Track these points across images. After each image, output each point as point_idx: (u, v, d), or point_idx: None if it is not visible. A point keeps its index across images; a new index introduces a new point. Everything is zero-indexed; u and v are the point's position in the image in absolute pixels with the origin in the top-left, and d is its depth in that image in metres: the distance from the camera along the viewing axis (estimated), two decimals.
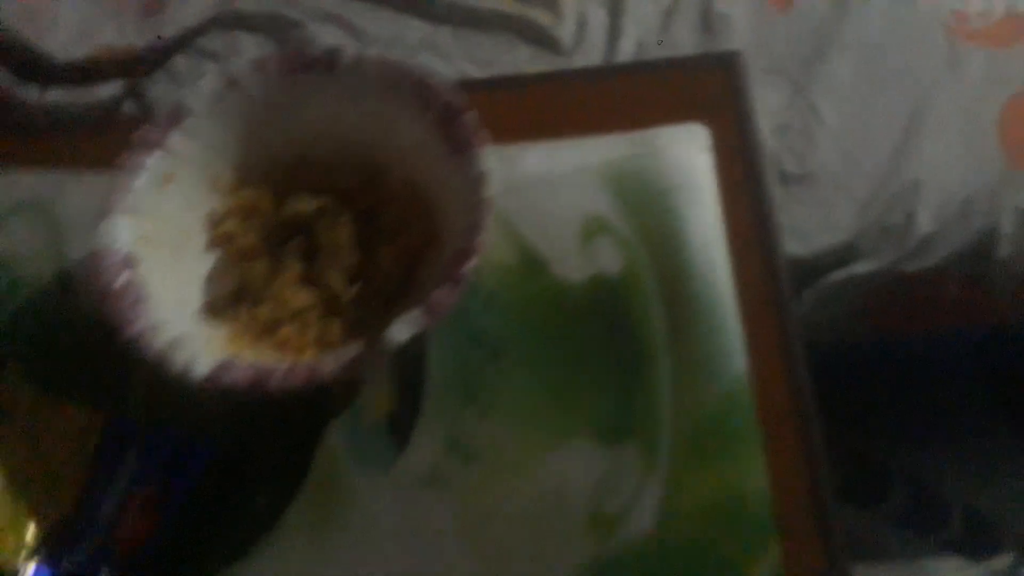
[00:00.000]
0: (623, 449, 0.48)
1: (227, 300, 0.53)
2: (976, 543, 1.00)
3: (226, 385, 0.45)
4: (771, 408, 0.48)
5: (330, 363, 0.46)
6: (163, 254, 0.52)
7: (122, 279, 0.49)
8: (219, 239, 0.55)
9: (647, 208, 0.54)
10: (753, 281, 0.51)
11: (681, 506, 0.47)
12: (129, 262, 0.49)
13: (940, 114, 0.90)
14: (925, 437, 1.08)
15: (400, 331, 0.44)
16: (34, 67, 0.98)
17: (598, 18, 1.02)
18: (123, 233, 0.50)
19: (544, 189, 0.55)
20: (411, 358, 0.51)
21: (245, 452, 0.52)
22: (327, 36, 1.00)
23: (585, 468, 0.48)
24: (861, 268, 0.88)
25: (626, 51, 0.98)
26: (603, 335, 0.51)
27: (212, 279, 0.54)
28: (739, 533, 0.46)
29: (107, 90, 0.99)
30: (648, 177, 0.55)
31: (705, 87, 0.60)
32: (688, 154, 0.56)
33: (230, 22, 1.04)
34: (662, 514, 0.47)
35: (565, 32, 1.00)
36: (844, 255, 0.88)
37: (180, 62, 1.02)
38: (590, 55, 0.98)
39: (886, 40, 0.94)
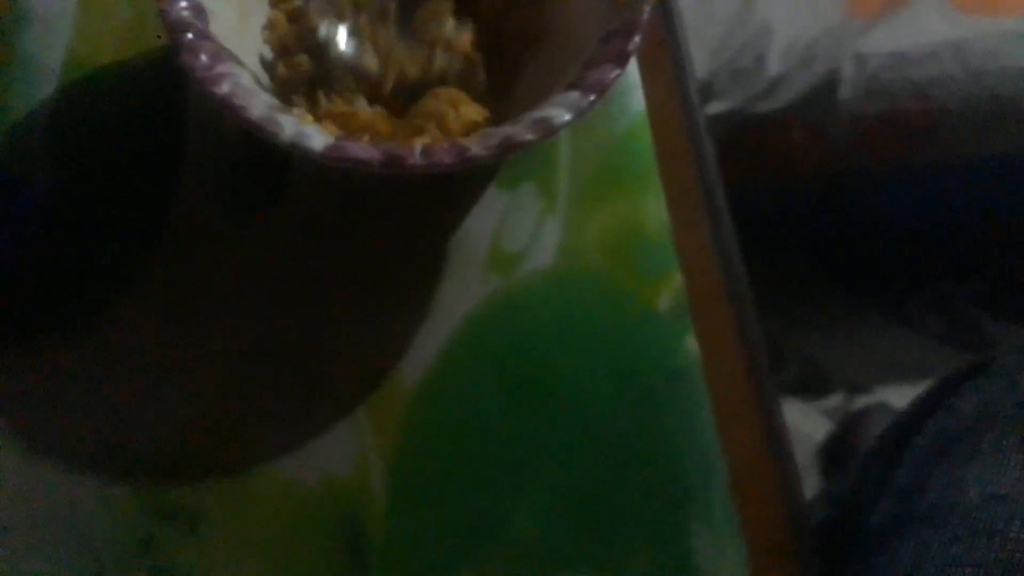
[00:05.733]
0: (521, 190, 0.46)
1: (296, 83, 0.41)
2: (809, 386, 1.07)
3: (350, 161, 0.34)
4: (668, 145, 0.47)
5: (477, 144, 0.35)
6: (229, 17, 0.39)
7: (196, 28, 0.36)
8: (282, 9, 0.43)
9: None
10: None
11: (581, 242, 0.45)
12: (200, 10, 0.37)
13: None
14: (764, 293, 1.14)
15: (560, 114, 0.35)
16: None
17: None
18: None
19: None
20: None
21: (86, 195, 0.44)
22: None
23: (484, 210, 0.45)
24: (714, 108, 0.90)
25: None
26: None
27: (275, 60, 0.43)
28: (640, 264, 0.45)
29: None
30: None
31: None
32: None
33: None
34: (562, 251, 0.45)
35: None
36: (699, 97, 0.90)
37: None
38: None
39: None
